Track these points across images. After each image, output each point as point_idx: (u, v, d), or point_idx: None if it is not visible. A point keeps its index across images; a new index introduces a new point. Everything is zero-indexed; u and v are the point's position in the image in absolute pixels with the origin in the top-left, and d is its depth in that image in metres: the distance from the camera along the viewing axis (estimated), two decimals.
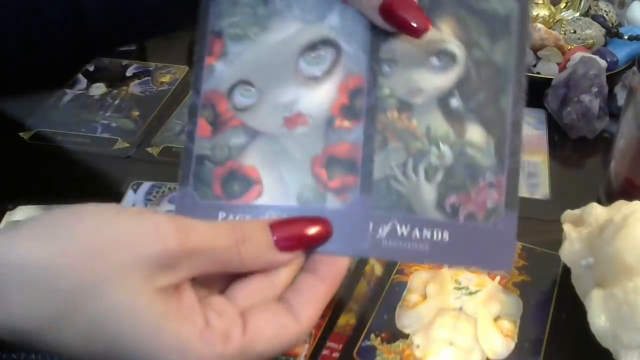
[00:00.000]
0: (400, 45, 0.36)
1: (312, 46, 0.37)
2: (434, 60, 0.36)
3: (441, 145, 0.35)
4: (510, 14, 0.36)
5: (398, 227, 0.35)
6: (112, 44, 0.54)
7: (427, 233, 0.35)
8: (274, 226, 0.33)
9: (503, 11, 0.36)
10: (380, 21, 0.36)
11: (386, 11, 0.36)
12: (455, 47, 0.36)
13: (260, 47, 0.38)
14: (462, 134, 0.35)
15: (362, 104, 0.36)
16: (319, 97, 0.37)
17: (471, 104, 0.35)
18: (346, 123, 0.37)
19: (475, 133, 0.35)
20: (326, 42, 0.37)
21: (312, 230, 0.34)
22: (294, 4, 0.38)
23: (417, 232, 0.35)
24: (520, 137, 0.35)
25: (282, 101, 0.37)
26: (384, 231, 0.35)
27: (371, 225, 0.35)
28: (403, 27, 0.36)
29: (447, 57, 0.36)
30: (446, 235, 0.34)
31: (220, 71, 0.38)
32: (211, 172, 0.38)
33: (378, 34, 0.37)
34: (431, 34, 0.36)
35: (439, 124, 0.35)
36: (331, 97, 0.37)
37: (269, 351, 0.32)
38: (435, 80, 0.36)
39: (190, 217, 0.32)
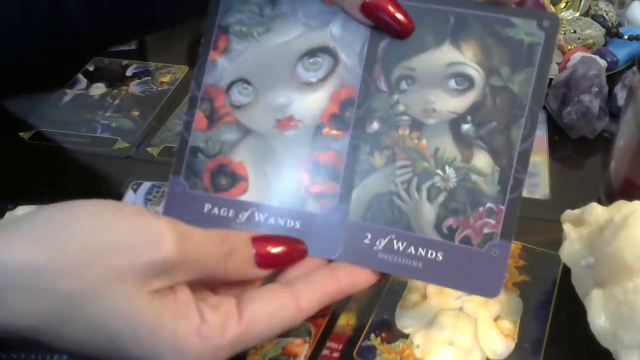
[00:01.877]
0: (421, 63, 0.36)
1: (311, 52, 0.38)
2: (452, 83, 0.36)
3: (447, 168, 0.36)
4: (536, 44, 0.35)
5: (395, 242, 0.36)
6: (101, 44, 0.53)
7: (422, 251, 0.35)
8: (255, 241, 0.34)
9: (528, 41, 0.35)
10: (362, 19, 0.36)
11: (368, 9, 0.36)
12: (474, 71, 0.36)
13: (262, 47, 0.39)
14: (469, 159, 0.35)
15: (352, 115, 0.37)
16: (311, 103, 0.38)
17: (482, 130, 0.35)
18: (334, 132, 0.37)
19: (481, 160, 0.35)
20: (325, 50, 0.38)
21: (288, 250, 0.35)
22: (300, 8, 0.38)
23: (412, 249, 0.35)
24: (525, 170, 0.35)
25: (276, 103, 0.38)
26: (381, 244, 0.36)
27: (369, 236, 0.36)
28: (384, 26, 0.36)
29: (465, 81, 0.36)
30: (440, 255, 0.35)
31: (222, 67, 0.39)
32: (203, 164, 0.39)
33: (377, 47, 0.37)
34: (453, 55, 0.36)
35: (448, 147, 0.36)
36: (323, 104, 0.37)
37: (267, 332, 0.33)
38: (450, 102, 0.36)
39: (184, 222, 0.32)
